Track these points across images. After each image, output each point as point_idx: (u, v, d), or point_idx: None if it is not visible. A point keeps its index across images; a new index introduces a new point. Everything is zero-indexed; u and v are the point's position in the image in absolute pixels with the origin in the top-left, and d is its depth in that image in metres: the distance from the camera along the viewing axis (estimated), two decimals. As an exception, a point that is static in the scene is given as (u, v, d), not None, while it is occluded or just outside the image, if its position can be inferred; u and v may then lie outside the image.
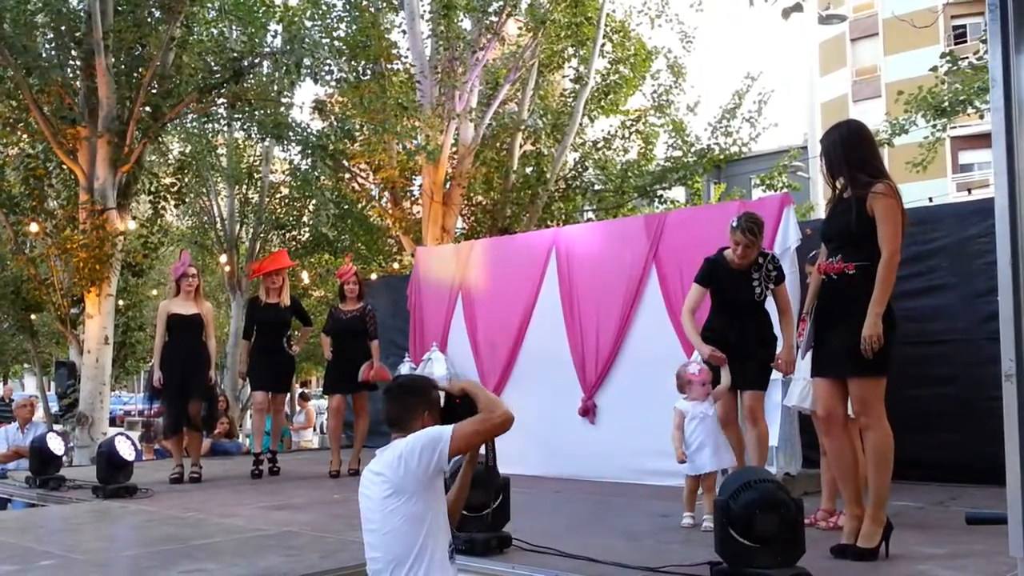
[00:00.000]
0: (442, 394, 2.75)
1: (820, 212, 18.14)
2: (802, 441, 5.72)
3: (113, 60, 10.51)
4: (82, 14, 10.68)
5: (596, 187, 14.87)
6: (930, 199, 7.92)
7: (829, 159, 3.83)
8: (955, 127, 17.09)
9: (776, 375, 4.88)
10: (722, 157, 14.29)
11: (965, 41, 25.64)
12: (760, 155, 20.38)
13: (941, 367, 6.04)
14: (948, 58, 11.66)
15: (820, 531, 4.27)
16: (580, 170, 14.93)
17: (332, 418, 7.64)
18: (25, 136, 11.94)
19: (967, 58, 12.25)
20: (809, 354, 3.97)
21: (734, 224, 4.57)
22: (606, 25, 13.91)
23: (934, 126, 12.12)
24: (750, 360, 4.61)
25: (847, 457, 3.80)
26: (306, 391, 22.66)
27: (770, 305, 4.78)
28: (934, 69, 11.67)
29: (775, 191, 13.76)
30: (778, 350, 4.71)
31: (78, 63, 10.81)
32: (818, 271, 3.85)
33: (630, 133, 15.12)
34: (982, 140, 23.79)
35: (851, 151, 3.77)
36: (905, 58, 25.61)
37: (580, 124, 14.14)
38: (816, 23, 20.35)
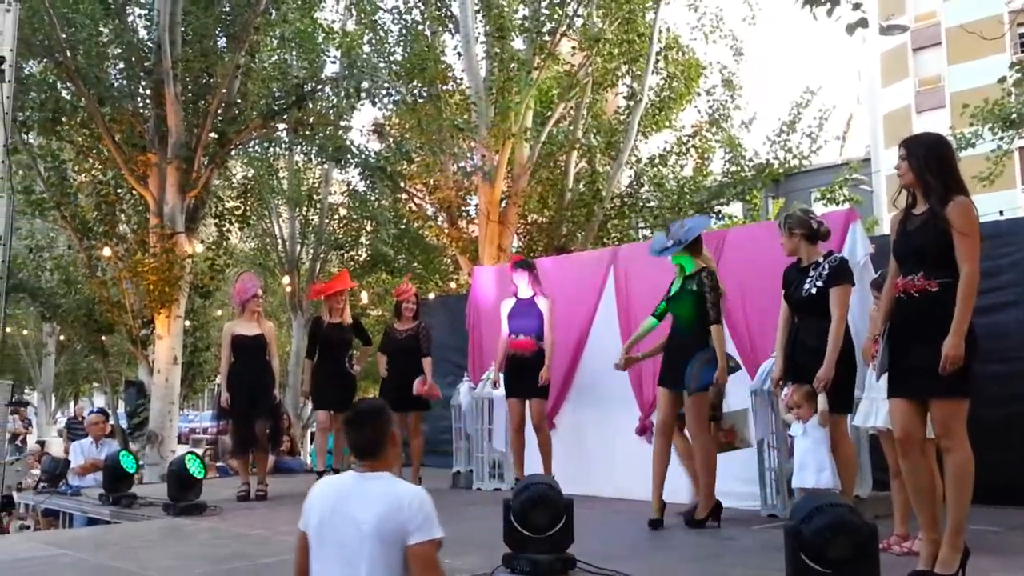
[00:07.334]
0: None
1: (885, 227, 17.75)
2: (872, 463, 5.58)
3: (181, 89, 10.87)
4: (151, 45, 11.08)
5: (651, 204, 14.80)
6: (1001, 212, 7.69)
7: (918, 167, 3.72)
8: (1024, 137, 16.57)
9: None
10: (781, 171, 14.11)
11: (1032, 48, 24.89)
12: (820, 168, 20.04)
13: (1013, 385, 5.85)
14: (1017, 68, 11.33)
15: (894, 556, 4.16)
16: (636, 187, 14.89)
17: (390, 437, 7.71)
18: (97, 163, 12.39)
19: (1035, 66, 11.88)
20: (879, 375, 3.88)
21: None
22: (658, 41, 13.88)
23: (1001, 138, 11.79)
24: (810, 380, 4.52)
25: (924, 480, 3.68)
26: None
27: None
28: (1002, 80, 11.36)
29: (836, 205, 13.50)
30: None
31: (148, 92, 11.21)
32: (894, 289, 3.73)
33: (686, 149, 15.03)
34: (1054, 150, 22.98)
35: (931, 164, 3.68)
36: (970, 67, 24.95)
37: (634, 141, 14.12)
38: (877, 33, 19.98)
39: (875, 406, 4.55)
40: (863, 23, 4.15)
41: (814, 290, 4.60)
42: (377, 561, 2.51)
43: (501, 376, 6.91)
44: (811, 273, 4.66)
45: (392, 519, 2.53)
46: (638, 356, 5.82)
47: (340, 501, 2.64)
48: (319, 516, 2.67)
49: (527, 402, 6.60)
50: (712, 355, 5.16)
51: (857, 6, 4.40)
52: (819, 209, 8.75)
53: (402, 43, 13.27)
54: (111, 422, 11.42)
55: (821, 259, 4.69)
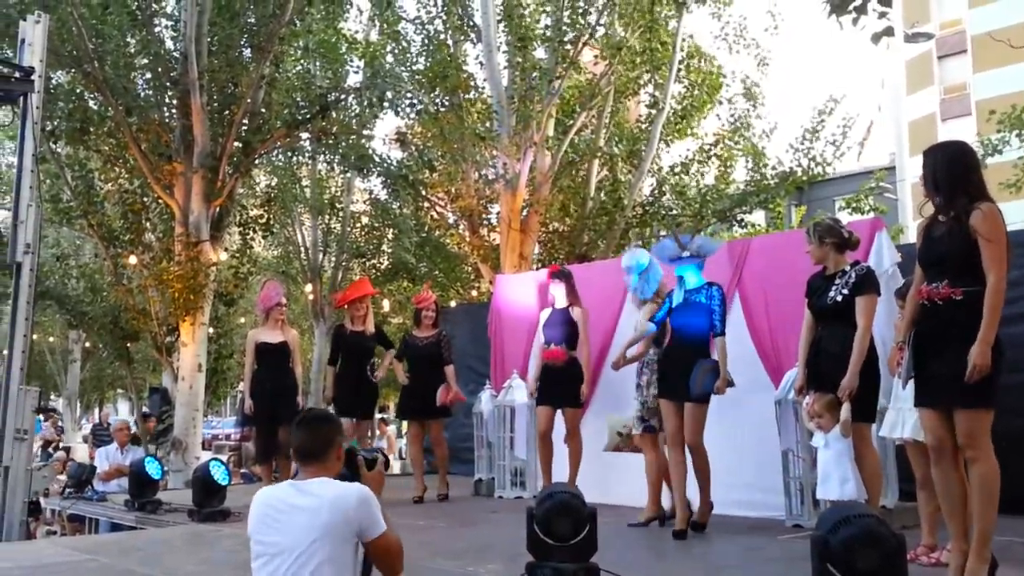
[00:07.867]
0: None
1: (911, 235, 17.59)
2: (898, 473, 5.51)
3: (207, 99, 11.00)
4: (177, 55, 11.22)
5: (673, 212, 14.75)
6: (1029, 220, 7.57)
7: (934, 177, 3.70)
8: (1052, 144, 16.35)
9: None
10: (804, 179, 14.02)
11: (1060, 55, 24.57)
12: (843, 176, 19.87)
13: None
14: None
15: (922, 568, 4.10)
16: (657, 195, 14.86)
17: (411, 445, 7.75)
18: (124, 172, 12.55)
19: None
20: (905, 382, 3.84)
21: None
22: (681, 49, 13.87)
23: (1030, 145, 11.66)
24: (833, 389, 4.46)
25: (956, 490, 3.62)
26: (386, 416, 22.98)
27: None
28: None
29: (861, 214, 13.39)
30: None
31: (174, 102, 11.36)
32: (919, 296, 3.70)
33: (708, 157, 14.99)
34: (1082, 157, 22.64)
35: (955, 171, 3.65)
36: (995, 75, 24.67)
37: (656, 149, 14.09)
38: (902, 41, 19.81)
39: (902, 416, 4.50)
40: (889, 32, 4.12)
41: (839, 297, 4.56)
42: (326, 564, 2.56)
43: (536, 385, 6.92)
44: (837, 281, 4.62)
45: (340, 519, 2.60)
46: (628, 358, 5.87)
47: (284, 511, 2.65)
48: (265, 525, 2.67)
49: (558, 411, 6.62)
50: (715, 365, 5.20)
51: (883, 15, 4.37)
52: (844, 218, 8.69)
53: (424, 53, 13.36)
54: (135, 429, 11.54)
55: (848, 268, 4.66)
